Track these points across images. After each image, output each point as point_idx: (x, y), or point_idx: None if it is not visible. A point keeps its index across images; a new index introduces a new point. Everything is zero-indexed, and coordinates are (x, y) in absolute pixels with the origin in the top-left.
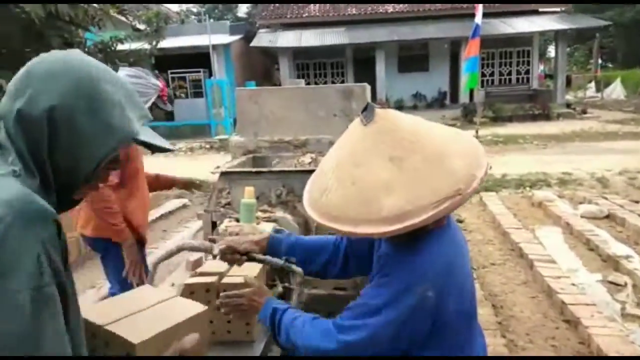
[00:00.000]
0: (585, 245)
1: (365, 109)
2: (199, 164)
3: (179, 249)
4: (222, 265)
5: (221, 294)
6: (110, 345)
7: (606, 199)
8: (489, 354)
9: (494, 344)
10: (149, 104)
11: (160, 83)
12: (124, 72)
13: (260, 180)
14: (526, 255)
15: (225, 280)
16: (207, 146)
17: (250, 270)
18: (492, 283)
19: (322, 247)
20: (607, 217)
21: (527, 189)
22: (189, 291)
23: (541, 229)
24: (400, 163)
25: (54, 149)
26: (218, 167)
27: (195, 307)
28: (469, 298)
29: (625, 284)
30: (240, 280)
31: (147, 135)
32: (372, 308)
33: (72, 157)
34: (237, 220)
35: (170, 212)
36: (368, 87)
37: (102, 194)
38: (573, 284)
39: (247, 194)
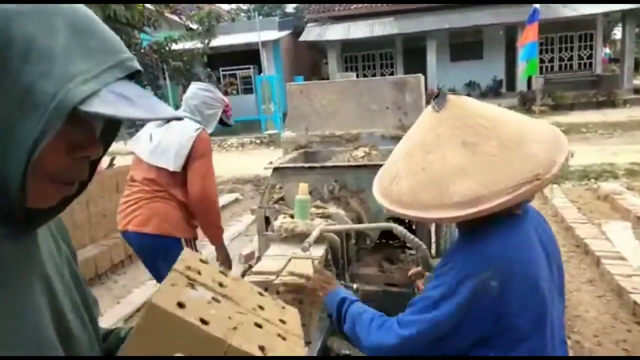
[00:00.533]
0: None
1: (437, 96)
2: (250, 159)
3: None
4: (277, 264)
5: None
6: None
7: None
8: None
9: None
10: (217, 117)
11: (225, 99)
12: (195, 87)
13: (313, 176)
14: (592, 252)
15: (282, 279)
16: (258, 141)
17: (305, 267)
18: None
19: None
20: None
21: (592, 180)
22: None
23: (608, 224)
24: (474, 148)
25: None
26: (271, 162)
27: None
28: (541, 300)
29: None
30: (295, 279)
31: (110, 102)
32: (433, 300)
33: None
34: (292, 216)
35: (223, 206)
36: (422, 78)
37: (206, 196)
38: None
39: (301, 191)
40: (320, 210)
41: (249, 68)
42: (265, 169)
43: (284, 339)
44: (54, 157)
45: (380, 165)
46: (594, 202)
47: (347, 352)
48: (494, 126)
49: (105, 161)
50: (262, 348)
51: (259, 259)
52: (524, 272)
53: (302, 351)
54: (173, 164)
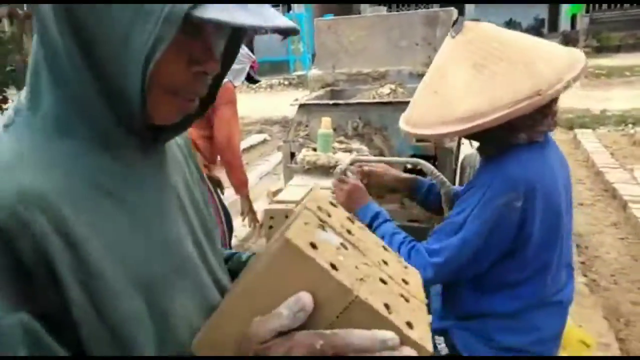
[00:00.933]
0: None
1: (454, 23)
2: (278, 100)
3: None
4: (299, 193)
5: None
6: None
7: None
8: None
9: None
10: (245, 73)
11: (252, 54)
12: None
13: (337, 113)
14: (620, 196)
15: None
16: (286, 82)
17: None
18: (578, 223)
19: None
20: None
21: (630, 126)
22: (269, 216)
23: None
24: (482, 69)
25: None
26: (297, 99)
27: None
28: (558, 220)
29: None
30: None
31: (224, 8)
32: (458, 224)
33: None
34: (314, 149)
35: (252, 147)
36: (455, 12)
37: (233, 144)
38: None
39: (324, 125)
40: (343, 146)
41: (277, 6)
42: (291, 105)
43: (407, 300)
44: (171, 69)
45: (405, 103)
46: (629, 147)
47: None
48: (506, 49)
49: None
50: (387, 306)
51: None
52: (544, 193)
53: (426, 317)
54: None
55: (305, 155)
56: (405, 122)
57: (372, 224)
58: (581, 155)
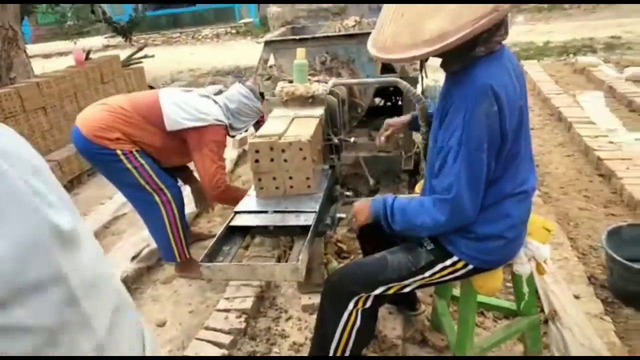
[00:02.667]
0: (628, 107)
1: None
2: (228, 50)
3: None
4: (281, 126)
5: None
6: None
7: None
8: None
9: None
10: (247, 127)
11: (262, 108)
12: (237, 89)
13: (304, 47)
14: (565, 119)
15: (284, 139)
16: (233, 31)
17: (307, 126)
18: None
19: None
20: None
21: (571, 55)
22: (255, 149)
23: (583, 94)
24: None
25: None
26: (262, 36)
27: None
28: (520, 113)
29: None
30: (296, 138)
31: None
32: (455, 149)
33: None
34: (290, 81)
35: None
36: None
37: (219, 183)
38: (611, 142)
39: (299, 55)
40: (315, 78)
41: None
42: (257, 43)
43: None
44: None
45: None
46: (571, 75)
47: (343, 215)
48: None
49: (81, 53)
50: None
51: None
52: (507, 93)
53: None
54: (169, 119)
55: (283, 87)
56: (374, 46)
57: (385, 211)
58: (529, 84)
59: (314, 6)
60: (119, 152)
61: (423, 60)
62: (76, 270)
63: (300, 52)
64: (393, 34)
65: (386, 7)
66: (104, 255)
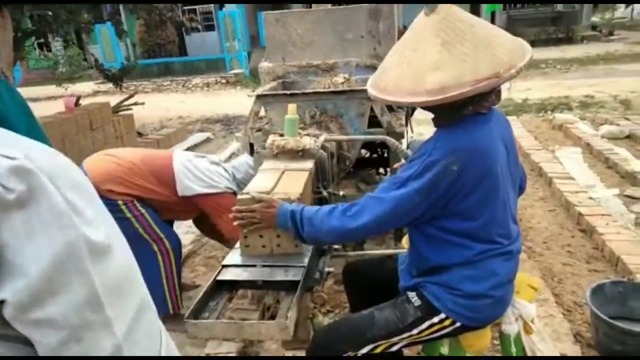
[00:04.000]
0: (604, 164)
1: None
2: (217, 99)
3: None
4: (269, 182)
5: (233, 208)
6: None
7: (628, 119)
8: None
9: None
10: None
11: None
12: (245, 159)
13: (294, 102)
14: (545, 174)
15: (273, 196)
16: (223, 81)
17: (296, 181)
18: None
19: None
20: (628, 137)
21: (549, 112)
22: (242, 206)
23: (561, 150)
24: (450, 47)
25: None
26: (253, 91)
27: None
28: (494, 180)
29: None
30: (285, 195)
31: None
32: (401, 180)
33: None
34: (281, 135)
35: (196, 145)
36: (395, 6)
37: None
38: (590, 198)
39: (290, 111)
40: (305, 132)
41: (209, 3)
42: (248, 96)
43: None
44: None
45: (359, 91)
46: (549, 131)
47: (332, 269)
48: (471, 31)
49: (72, 100)
50: None
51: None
52: (482, 157)
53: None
54: (182, 184)
55: (274, 140)
56: (375, 87)
57: (294, 221)
58: None
59: (304, 62)
60: (120, 202)
61: (409, 114)
62: (104, 277)
63: (292, 107)
64: (396, 78)
65: (393, 52)
66: (134, 263)
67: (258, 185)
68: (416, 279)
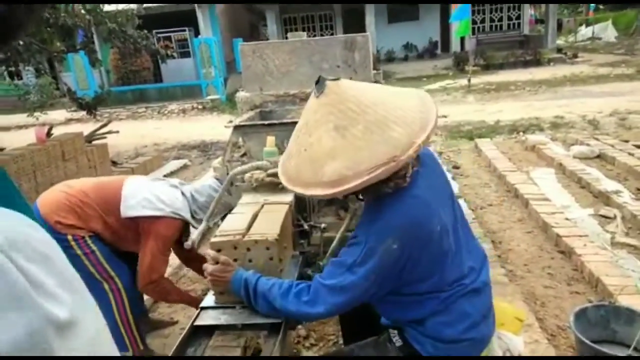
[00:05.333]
0: (578, 184)
1: (317, 82)
2: (194, 125)
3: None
4: (244, 221)
5: (204, 266)
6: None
7: (597, 139)
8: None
9: (495, 274)
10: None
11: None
12: (211, 183)
13: (273, 133)
14: (521, 195)
15: (249, 237)
16: (200, 107)
17: (275, 217)
18: (490, 222)
19: None
20: (598, 156)
21: (521, 134)
22: (216, 248)
23: (535, 171)
24: (344, 132)
25: None
26: (231, 121)
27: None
28: (437, 243)
29: (615, 216)
30: (262, 237)
31: None
32: (348, 266)
33: None
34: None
35: (173, 172)
36: (369, 37)
37: (152, 274)
38: (567, 219)
39: (269, 143)
40: None
41: (184, 30)
42: (225, 127)
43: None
44: None
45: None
46: (523, 152)
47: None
48: (363, 111)
49: (43, 130)
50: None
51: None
52: (418, 229)
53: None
54: (125, 205)
55: (252, 173)
56: (282, 174)
57: (247, 290)
58: (483, 161)
59: (281, 92)
60: (69, 237)
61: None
62: (71, 352)
63: (270, 140)
64: (296, 168)
65: (294, 136)
66: (105, 328)
67: (231, 225)
68: (394, 320)
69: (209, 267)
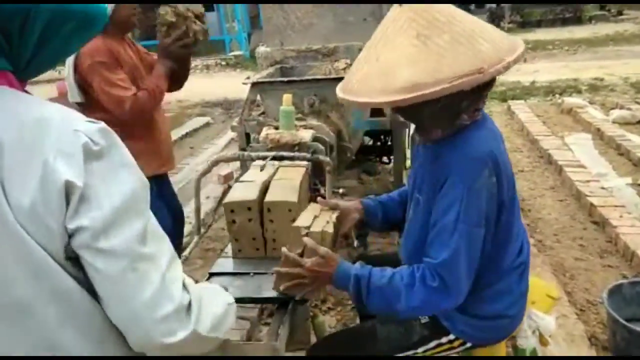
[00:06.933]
0: (616, 151)
1: None
2: (217, 82)
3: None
4: (262, 176)
5: (274, 269)
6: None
7: (639, 103)
8: None
9: None
10: None
11: None
12: None
13: (292, 90)
14: (555, 161)
15: (269, 198)
16: (223, 63)
17: (291, 182)
18: (521, 189)
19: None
20: None
21: (557, 96)
22: (230, 209)
23: (571, 136)
24: (426, 40)
25: None
26: (248, 77)
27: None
28: (512, 180)
29: None
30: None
31: None
32: (452, 225)
33: None
34: (276, 128)
35: (195, 130)
36: None
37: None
38: (602, 187)
39: (286, 101)
40: (302, 123)
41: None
42: (243, 84)
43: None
44: None
45: None
46: (558, 116)
47: None
48: (450, 22)
49: (64, 84)
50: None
51: (237, 179)
52: (502, 160)
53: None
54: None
55: (267, 133)
56: (343, 90)
57: (359, 289)
58: (516, 124)
59: (303, 47)
60: None
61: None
62: (150, 222)
63: (287, 98)
64: (364, 76)
65: (364, 49)
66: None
67: (246, 191)
68: None
69: (307, 261)
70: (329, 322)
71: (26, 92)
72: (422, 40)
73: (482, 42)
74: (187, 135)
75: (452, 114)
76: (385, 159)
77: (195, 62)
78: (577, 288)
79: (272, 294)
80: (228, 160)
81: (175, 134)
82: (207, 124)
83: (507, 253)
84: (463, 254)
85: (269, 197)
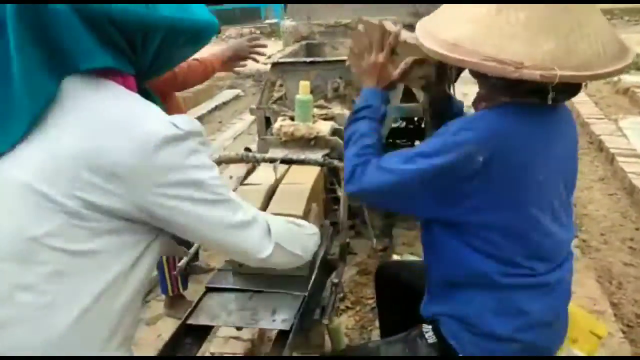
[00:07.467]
0: None
1: None
2: None
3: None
4: (270, 177)
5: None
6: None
7: None
8: None
9: None
10: None
11: None
12: None
13: (315, 72)
14: (607, 149)
15: (272, 209)
16: (258, 32)
17: (301, 186)
18: None
19: None
20: None
21: None
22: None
23: (626, 120)
24: (499, 11)
25: None
26: (269, 57)
27: None
28: (533, 202)
29: None
30: None
31: None
32: (411, 155)
33: None
34: (292, 118)
35: (224, 103)
36: None
37: None
38: None
39: (302, 90)
40: (323, 111)
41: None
42: (263, 63)
43: None
44: None
45: None
46: (613, 96)
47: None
48: (535, 8)
49: None
50: None
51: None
52: (514, 152)
53: None
54: None
55: (281, 125)
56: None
57: (358, 110)
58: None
59: (332, 21)
60: None
61: (452, 79)
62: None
63: (304, 85)
64: (429, 18)
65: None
66: None
67: (249, 199)
68: (434, 306)
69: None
70: (347, 323)
71: (146, 90)
72: (497, 8)
73: (547, 38)
74: (216, 108)
75: (518, 92)
76: (418, 143)
77: (230, 31)
78: (624, 299)
79: (269, 325)
80: (231, 161)
81: (205, 107)
82: (237, 97)
83: (516, 262)
84: (390, 179)
85: (271, 208)
